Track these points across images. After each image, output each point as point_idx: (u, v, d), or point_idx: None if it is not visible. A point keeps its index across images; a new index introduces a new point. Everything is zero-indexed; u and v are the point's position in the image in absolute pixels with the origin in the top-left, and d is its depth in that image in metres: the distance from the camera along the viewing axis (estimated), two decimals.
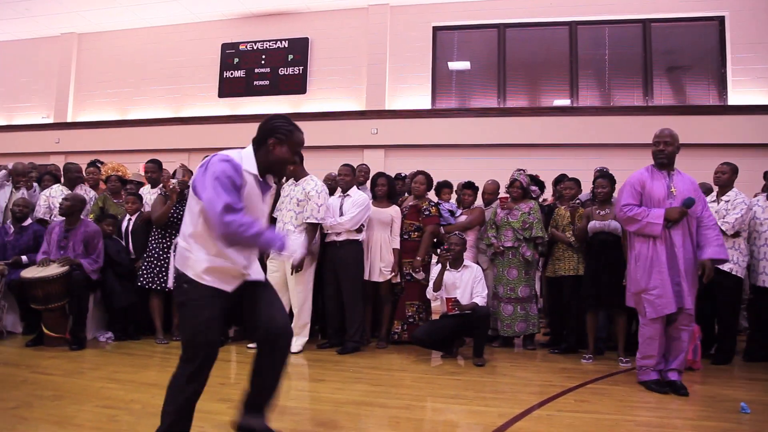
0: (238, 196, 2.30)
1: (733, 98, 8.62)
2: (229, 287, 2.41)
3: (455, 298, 4.66)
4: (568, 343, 5.11)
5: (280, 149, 2.42)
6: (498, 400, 3.66)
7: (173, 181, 5.22)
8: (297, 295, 4.82)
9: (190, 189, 2.41)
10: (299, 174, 4.95)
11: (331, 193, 5.40)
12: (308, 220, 4.76)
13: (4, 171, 5.90)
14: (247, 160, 2.40)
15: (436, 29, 9.74)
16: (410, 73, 9.65)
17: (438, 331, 4.78)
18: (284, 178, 2.37)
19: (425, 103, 9.53)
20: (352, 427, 3.02)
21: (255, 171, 2.40)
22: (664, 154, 4.10)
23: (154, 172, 5.89)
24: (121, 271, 5.19)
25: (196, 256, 2.36)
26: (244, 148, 2.48)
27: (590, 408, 3.46)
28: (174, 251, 4.75)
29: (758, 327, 5.06)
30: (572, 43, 9.29)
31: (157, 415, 3.09)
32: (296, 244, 2.42)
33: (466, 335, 4.90)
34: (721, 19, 8.85)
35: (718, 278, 4.80)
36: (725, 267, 4.81)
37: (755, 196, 5.27)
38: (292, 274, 4.75)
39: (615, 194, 5.09)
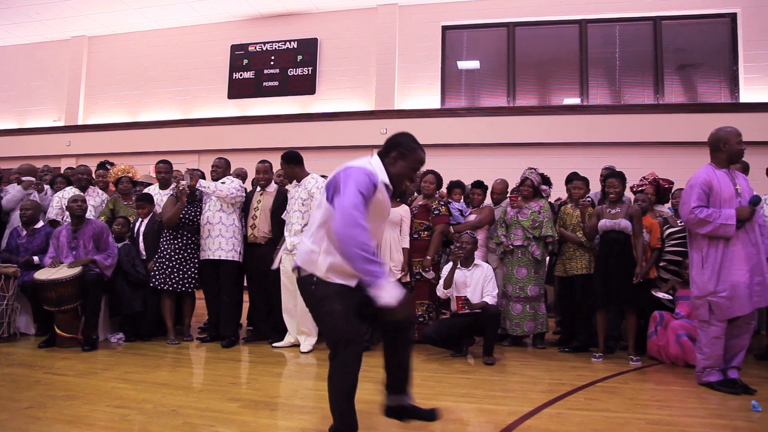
0: (366, 210, 2.35)
1: (745, 96, 8.56)
2: (352, 282, 2.50)
3: (465, 296, 4.66)
4: (579, 341, 5.08)
5: (401, 163, 2.51)
6: (508, 398, 3.65)
7: (183, 182, 5.26)
8: None
9: (324, 190, 2.50)
10: (300, 175, 4.99)
11: None
12: None
13: (18, 187, 5.89)
14: (380, 170, 2.48)
15: (445, 29, 9.75)
16: (419, 72, 9.66)
17: (448, 329, 4.77)
18: (398, 194, 2.45)
19: (435, 103, 9.53)
20: (362, 426, 3.01)
21: (387, 181, 2.50)
22: (743, 152, 4.01)
23: (166, 173, 5.94)
24: (132, 279, 5.22)
25: (323, 257, 2.46)
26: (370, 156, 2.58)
27: (600, 406, 3.44)
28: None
29: None
30: (582, 41, 9.26)
31: (169, 415, 3.14)
32: (391, 290, 2.29)
33: (476, 334, 4.88)
34: (732, 16, 8.78)
35: None
36: None
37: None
38: None
39: (626, 193, 5.09)
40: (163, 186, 5.87)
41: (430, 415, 2.77)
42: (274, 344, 5.03)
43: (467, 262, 4.85)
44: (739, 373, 3.88)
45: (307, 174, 5.01)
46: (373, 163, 2.50)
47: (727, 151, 3.98)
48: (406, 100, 9.61)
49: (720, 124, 8.41)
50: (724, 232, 3.75)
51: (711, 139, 4.11)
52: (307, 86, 10.05)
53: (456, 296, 4.73)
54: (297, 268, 2.59)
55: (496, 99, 9.48)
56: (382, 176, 2.47)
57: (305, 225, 4.78)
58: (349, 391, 2.52)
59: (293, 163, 4.99)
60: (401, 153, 2.50)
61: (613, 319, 5.10)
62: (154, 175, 6.49)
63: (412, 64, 9.67)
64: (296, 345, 4.97)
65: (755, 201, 3.81)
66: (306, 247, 2.54)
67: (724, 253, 3.77)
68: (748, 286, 3.72)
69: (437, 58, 9.65)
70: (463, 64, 9.82)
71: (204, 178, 5.92)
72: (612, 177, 4.99)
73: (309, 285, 2.49)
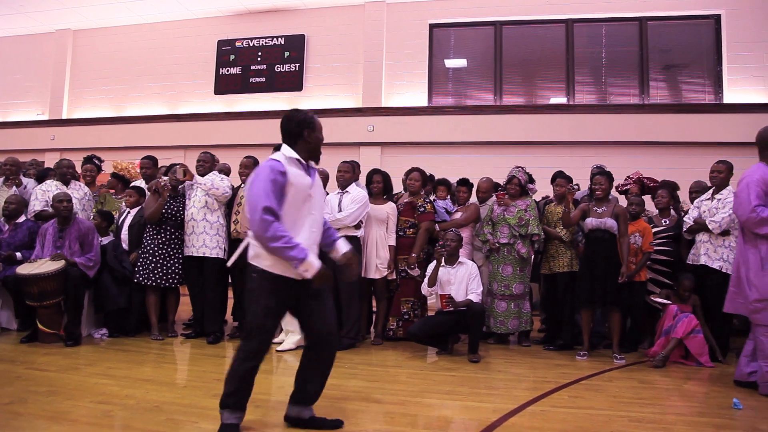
0: (279, 198, 2.61)
1: (729, 96, 8.65)
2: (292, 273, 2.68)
3: (449, 294, 4.67)
4: (563, 339, 5.12)
5: (314, 135, 2.80)
6: (492, 395, 3.67)
7: (164, 178, 5.21)
8: None
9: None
10: None
11: None
12: None
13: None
14: (285, 154, 2.75)
15: (432, 26, 9.75)
16: (407, 70, 9.66)
17: (433, 327, 4.79)
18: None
19: (421, 101, 9.54)
20: (347, 423, 3.02)
21: (295, 156, 2.75)
22: None
23: (149, 168, 5.88)
24: (118, 275, 5.17)
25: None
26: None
27: (584, 404, 3.48)
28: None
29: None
30: (569, 40, 9.31)
31: (152, 411, 3.11)
32: (311, 265, 2.59)
33: (461, 332, 4.90)
34: (717, 18, 8.87)
35: (708, 276, 4.87)
36: (715, 265, 4.84)
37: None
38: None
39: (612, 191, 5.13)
40: (148, 182, 5.81)
41: (335, 426, 2.94)
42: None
43: (452, 259, 4.86)
44: None
45: None
46: (280, 153, 2.76)
47: None
48: (394, 97, 9.60)
49: (704, 125, 8.64)
50: None
51: (759, 137, 4.00)
52: (294, 83, 10.00)
53: (440, 294, 4.75)
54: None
55: (483, 97, 9.50)
56: (288, 156, 2.73)
57: None
58: (248, 371, 2.75)
59: None
60: (310, 128, 2.79)
61: (597, 317, 5.15)
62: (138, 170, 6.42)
63: (400, 62, 9.67)
64: (277, 342, 4.90)
65: None
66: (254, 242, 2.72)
67: None
68: None
69: (424, 56, 9.64)
70: (450, 62, 9.82)
71: (229, 171, 5.90)
72: (599, 174, 5.03)
73: (251, 273, 2.72)
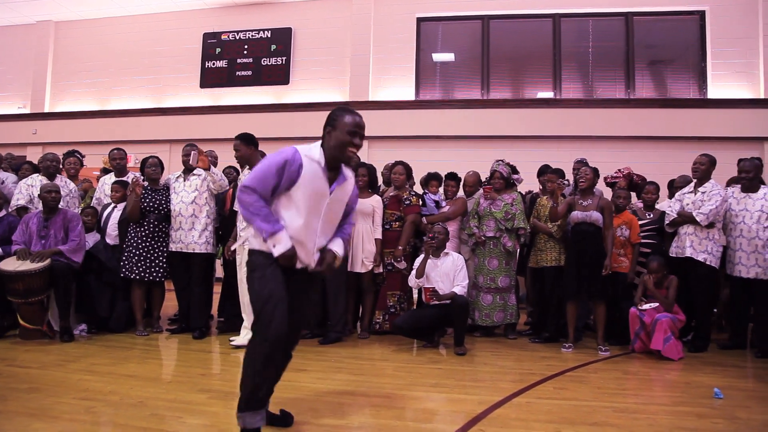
0: (270, 181, 2.49)
1: (713, 92, 8.74)
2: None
3: (433, 288, 4.68)
4: (549, 332, 5.15)
5: (334, 134, 2.56)
6: (478, 388, 3.69)
7: (135, 174, 5.16)
8: (244, 294, 4.66)
9: None
10: (253, 160, 4.70)
11: None
12: None
13: None
14: (310, 149, 2.57)
15: (420, 20, 9.72)
16: (394, 64, 9.63)
17: (419, 320, 4.79)
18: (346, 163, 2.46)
19: (409, 95, 9.52)
20: (333, 416, 3.02)
21: (316, 156, 2.56)
22: None
23: (121, 159, 5.80)
24: (107, 280, 5.11)
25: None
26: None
27: (569, 395, 3.50)
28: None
29: (733, 316, 5.18)
30: (556, 35, 9.34)
31: (136, 406, 3.09)
32: (280, 244, 2.51)
33: (446, 325, 4.91)
34: (701, 14, 8.95)
35: (692, 268, 4.93)
36: (700, 257, 4.90)
37: (729, 185, 5.34)
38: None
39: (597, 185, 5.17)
40: (119, 174, 5.74)
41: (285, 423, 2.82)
42: (232, 339, 4.84)
43: (438, 252, 4.87)
44: None
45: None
46: (310, 146, 2.59)
47: None
48: (381, 91, 9.57)
49: (688, 119, 8.71)
50: None
51: None
52: (280, 76, 9.93)
53: (425, 287, 4.75)
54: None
55: (470, 91, 9.51)
56: (311, 153, 2.55)
57: None
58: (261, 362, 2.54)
59: (252, 144, 4.75)
60: (331, 125, 2.57)
61: (583, 310, 5.19)
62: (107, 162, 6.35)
63: (387, 56, 9.63)
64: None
65: None
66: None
67: None
68: None
69: (412, 50, 9.62)
70: (437, 56, 9.81)
71: (216, 162, 5.86)
72: (585, 165, 5.06)
73: (250, 255, 2.65)
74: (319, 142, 2.60)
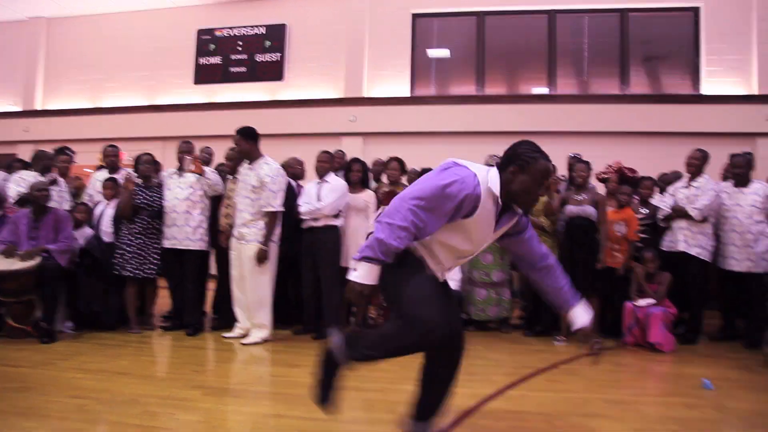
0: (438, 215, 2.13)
1: (707, 88, 8.75)
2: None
3: None
4: (542, 326, 5.16)
5: (521, 178, 2.18)
6: (471, 381, 3.67)
7: (128, 170, 5.14)
8: (254, 291, 4.68)
9: None
10: (254, 154, 4.73)
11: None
12: (265, 209, 4.64)
13: None
14: (488, 181, 2.17)
15: (415, 16, 9.70)
16: (389, 60, 9.60)
17: None
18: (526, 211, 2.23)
19: (404, 91, 9.50)
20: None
21: (497, 192, 2.18)
22: None
23: (114, 156, 5.78)
24: (98, 275, 5.07)
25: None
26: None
27: (561, 387, 3.51)
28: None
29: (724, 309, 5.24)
30: (551, 31, 9.33)
31: (128, 403, 3.07)
32: (357, 272, 2.17)
33: None
34: (696, 10, 8.95)
35: (685, 262, 4.95)
36: (693, 251, 4.93)
37: (724, 179, 5.35)
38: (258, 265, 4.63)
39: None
40: (111, 171, 5.71)
41: None
42: (225, 335, 4.87)
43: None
44: None
45: (261, 156, 4.77)
46: (488, 174, 2.20)
47: None
48: (376, 87, 9.55)
49: (682, 116, 8.71)
50: None
51: None
52: (275, 72, 9.90)
53: None
54: None
55: (466, 87, 9.50)
56: (491, 186, 2.16)
57: (255, 213, 4.68)
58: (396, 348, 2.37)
59: (250, 138, 4.72)
60: (520, 165, 2.18)
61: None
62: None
63: (382, 52, 9.60)
64: (247, 335, 4.81)
65: None
66: None
67: None
68: None
69: (407, 46, 9.59)
70: (433, 53, 9.79)
71: (210, 160, 5.85)
72: (580, 162, 5.07)
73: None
74: (495, 173, 2.21)
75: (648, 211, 5.44)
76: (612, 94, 9.04)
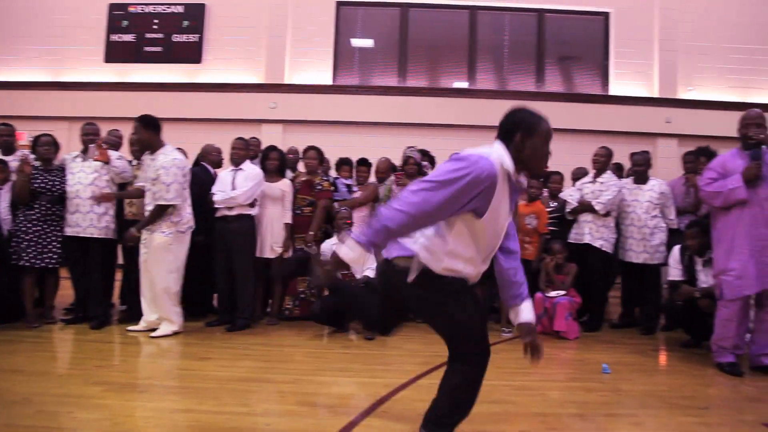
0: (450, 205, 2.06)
1: (614, 89, 9.31)
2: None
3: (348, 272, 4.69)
4: None
5: (530, 142, 2.16)
6: (385, 371, 3.75)
7: (24, 152, 4.79)
8: (161, 282, 4.49)
9: None
10: (155, 144, 4.52)
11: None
12: (158, 202, 4.43)
13: None
14: (502, 158, 2.12)
15: (339, 4, 9.61)
16: (312, 47, 9.47)
17: (332, 306, 4.77)
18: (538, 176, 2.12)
19: (326, 79, 9.42)
20: (236, 403, 2.96)
21: (511, 169, 2.13)
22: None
23: (9, 136, 5.32)
24: None
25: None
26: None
27: None
28: None
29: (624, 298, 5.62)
30: (472, 27, 9.55)
31: (20, 403, 2.87)
32: (350, 251, 2.05)
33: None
34: (606, 15, 9.46)
35: (589, 253, 5.25)
36: (597, 243, 5.23)
37: (627, 176, 5.71)
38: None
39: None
40: (6, 152, 5.27)
41: None
42: (129, 328, 4.66)
43: (345, 236, 4.89)
44: None
45: (163, 144, 4.55)
46: (494, 151, 2.14)
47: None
48: (297, 74, 9.40)
49: (591, 114, 9.19)
50: (735, 196, 3.76)
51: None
52: (193, 54, 9.49)
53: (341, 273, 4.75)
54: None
55: (388, 78, 9.55)
56: (506, 164, 2.12)
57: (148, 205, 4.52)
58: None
59: (150, 127, 4.50)
60: (527, 130, 2.17)
61: (489, 293, 5.37)
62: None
63: (305, 38, 9.45)
64: (154, 329, 4.61)
65: (755, 156, 3.77)
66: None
67: (733, 232, 3.83)
68: (755, 264, 3.73)
69: (330, 34, 9.50)
70: (356, 42, 9.75)
71: (120, 143, 5.48)
72: None
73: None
74: (500, 148, 2.17)
75: (557, 204, 5.70)
76: (528, 90, 9.39)
